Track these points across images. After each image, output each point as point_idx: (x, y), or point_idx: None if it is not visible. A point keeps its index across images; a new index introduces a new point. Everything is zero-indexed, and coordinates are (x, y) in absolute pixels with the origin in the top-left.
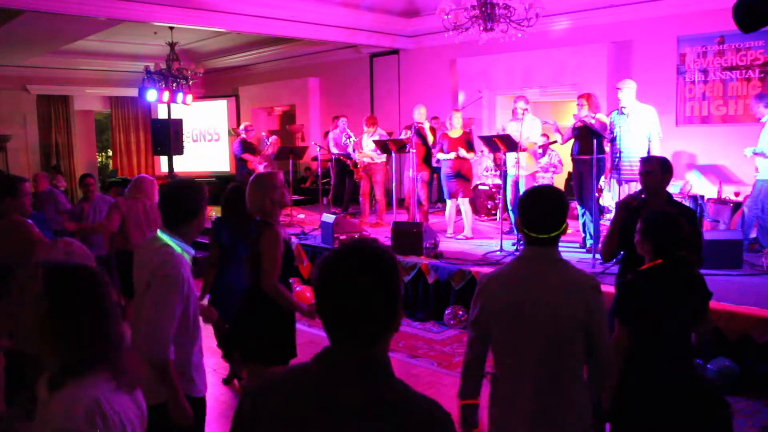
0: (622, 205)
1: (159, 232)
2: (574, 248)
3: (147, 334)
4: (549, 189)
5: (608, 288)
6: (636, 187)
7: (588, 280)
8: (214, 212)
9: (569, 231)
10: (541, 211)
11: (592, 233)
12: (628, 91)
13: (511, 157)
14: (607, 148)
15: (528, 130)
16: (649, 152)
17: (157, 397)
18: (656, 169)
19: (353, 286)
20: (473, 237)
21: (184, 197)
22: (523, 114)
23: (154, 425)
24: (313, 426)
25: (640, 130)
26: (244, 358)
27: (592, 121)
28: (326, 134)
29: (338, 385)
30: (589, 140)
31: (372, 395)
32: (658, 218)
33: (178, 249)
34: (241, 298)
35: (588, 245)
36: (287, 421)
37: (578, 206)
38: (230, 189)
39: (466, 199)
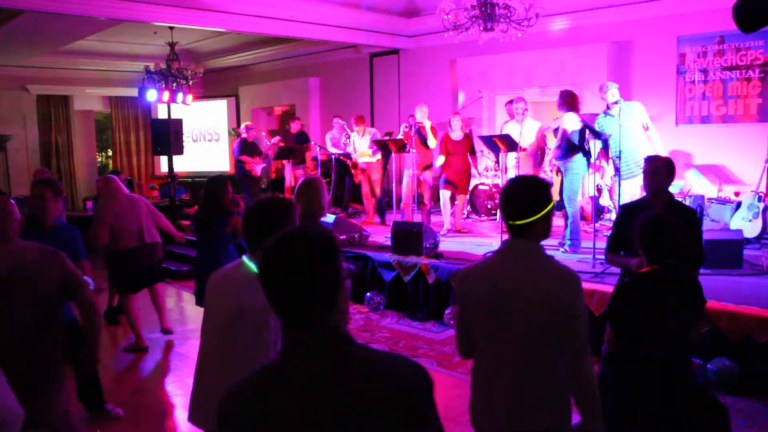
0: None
1: (247, 258)
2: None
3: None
4: (525, 177)
5: (608, 288)
6: (637, 182)
7: (564, 275)
8: None
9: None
10: (513, 197)
11: (568, 235)
12: (612, 92)
13: (510, 158)
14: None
15: (529, 131)
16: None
17: None
18: (662, 169)
19: (297, 267)
20: (468, 234)
21: (278, 219)
22: (524, 114)
23: None
24: (286, 411)
25: (633, 125)
26: None
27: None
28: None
29: (299, 366)
30: (570, 143)
31: (332, 367)
32: (649, 224)
33: None
34: None
35: (566, 246)
36: (266, 415)
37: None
38: (209, 181)
39: (463, 197)
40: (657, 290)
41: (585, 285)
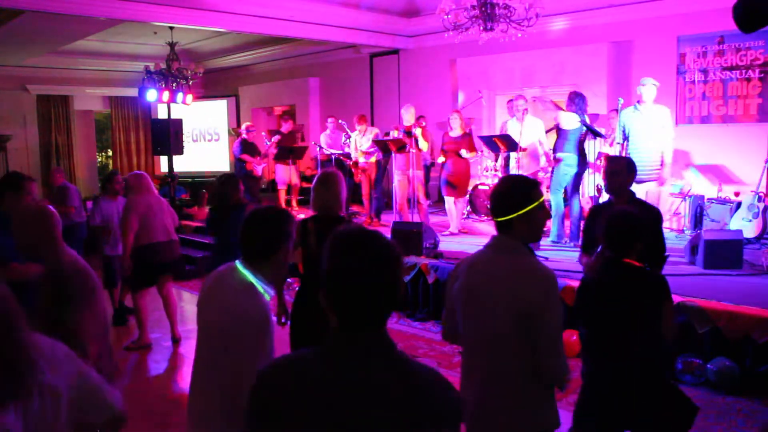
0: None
1: (240, 265)
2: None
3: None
4: (512, 176)
5: None
6: (645, 188)
7: (536, 273)
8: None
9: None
10: (497, 195)
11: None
12: (652, 88)
13: (512, 158)
14: (606, 149)
15: (529, 130)
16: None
17: None
18: (623, 170)
19: (370, 273)
20: (459, 233)
21: (273, 229)
22: (524, 114)
23: None
24: (323, 406)
25: (653, 128)
26: None
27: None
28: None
29: (349, 366)
30: (560, 141)
31: (383, 375)
32: (615, 218)
33: (260, 288)
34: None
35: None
36: (298, 403)
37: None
38: (220, 181)
39: (461, 199)
40: (619, 285)
41: None
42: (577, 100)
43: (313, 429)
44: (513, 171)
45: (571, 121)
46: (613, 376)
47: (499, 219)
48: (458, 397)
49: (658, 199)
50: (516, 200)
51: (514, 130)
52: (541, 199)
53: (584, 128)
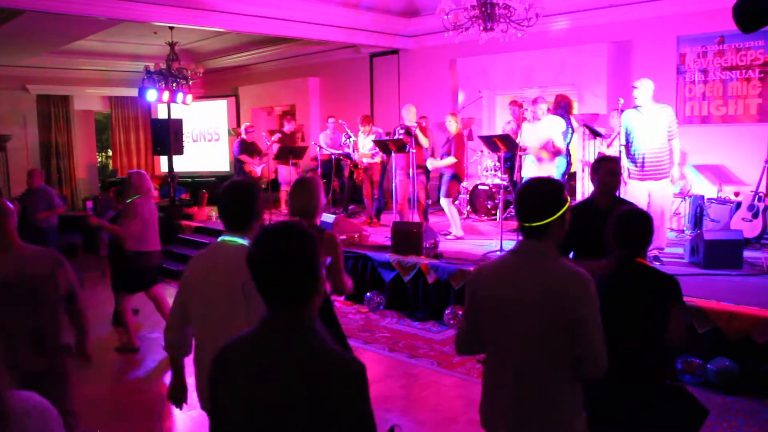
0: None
1: (227, 237)
2: None
3: None
4: (542, 180)
5: None
6: (648, 187)
7: (575, 278)
8: (214, 212)
9: None
10: (528, 199)
11: None
12: (644, 90)
13: (528, 159)
14: (605, 148)
15: (543, 129)
16: (671, 151)
17: None
18: (619, 171)
19: (275, 261)
20: (464, 236)
21: (252, 198)
22: (523, 116)
23: None
24: (250, 373)
25: (660, 128)
26: None
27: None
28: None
29: (269, 340)
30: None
31: (293, 347)
32: (630, 217)
33: None
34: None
35: None
36: (234, 371)
37: None
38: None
39: (449, 199)
40: (632, 284)
41: None
42: (563, 104)
43: (236, 387)
44: (526, 173)
45: (560, 125)
46: (618, 377)
47: (535, 224)
48: (355, 377)
49: (662, 199)
50: (553, 203)
51: (528, 133)
52: (570, 200)
53: (570, 132)
